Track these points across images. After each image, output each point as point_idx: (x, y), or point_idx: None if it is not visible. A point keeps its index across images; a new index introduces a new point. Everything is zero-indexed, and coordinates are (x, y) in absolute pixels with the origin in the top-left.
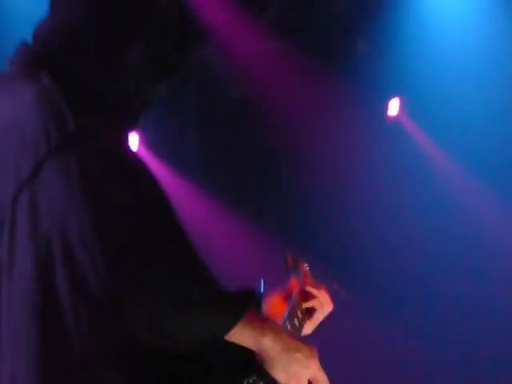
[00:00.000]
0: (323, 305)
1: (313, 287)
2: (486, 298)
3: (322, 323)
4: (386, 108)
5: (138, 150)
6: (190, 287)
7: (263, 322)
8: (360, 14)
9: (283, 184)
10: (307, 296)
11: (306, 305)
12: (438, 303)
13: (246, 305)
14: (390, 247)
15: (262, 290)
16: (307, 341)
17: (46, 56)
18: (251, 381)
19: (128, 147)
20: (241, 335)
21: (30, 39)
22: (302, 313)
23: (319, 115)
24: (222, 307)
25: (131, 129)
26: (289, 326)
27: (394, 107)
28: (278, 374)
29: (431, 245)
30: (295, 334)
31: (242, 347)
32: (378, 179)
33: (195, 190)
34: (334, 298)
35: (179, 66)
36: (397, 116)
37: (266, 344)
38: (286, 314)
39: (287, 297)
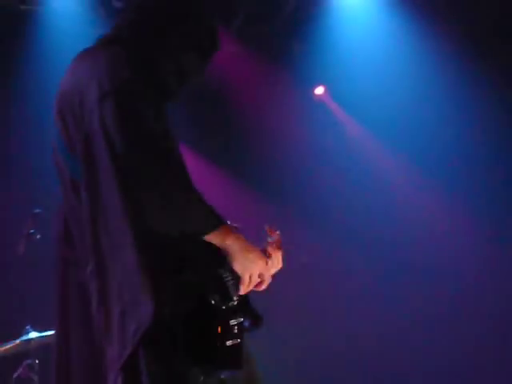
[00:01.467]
0: (274, 263)
1: (273, 249)
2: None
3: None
4: (313, 92)
5: None
6: (190, 191)
7: (232, 231)
8: (296, 25)
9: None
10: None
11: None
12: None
13: (223, 218)
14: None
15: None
16: None
17: (120, 37)
18: (222, 271)
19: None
20: (214, 235)
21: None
22: None
23: (266, 98)
24: (211, 212)
25: (166, 100)
26: None
27: (319, 91)
28: (236, 266)
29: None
30: None
31: (216, 250)
32: (309, 150)
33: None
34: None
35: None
36: (322, 98)
37: (228, 243)
38: None
39: None
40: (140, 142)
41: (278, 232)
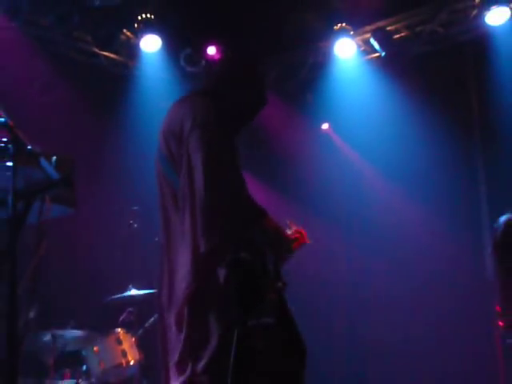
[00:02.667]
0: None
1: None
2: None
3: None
4: (321, 127)
5: None
6: (247, 202)
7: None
8: (309, 81)
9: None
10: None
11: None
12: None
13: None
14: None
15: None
16: None
17: (207, 91)
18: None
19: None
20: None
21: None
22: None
23: (288, 132)
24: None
25: (235, 134)
26: None
27: (325, 126)
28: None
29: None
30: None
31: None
32: (317, 170)
33: None
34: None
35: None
36: (327, 131)
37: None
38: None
39: None
40: (210, 164)
41: (295, 226)
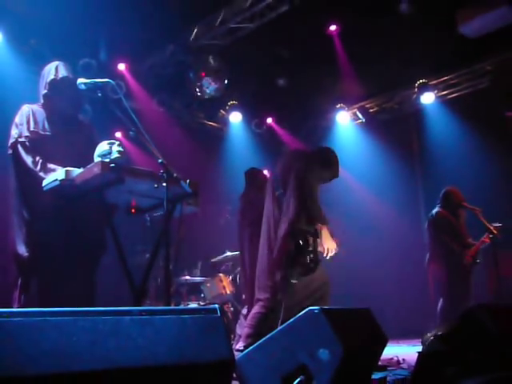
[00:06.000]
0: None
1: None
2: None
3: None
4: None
5: None
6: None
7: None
8: (322, 136)
9: None
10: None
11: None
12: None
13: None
14: None
15: None
16: None
17: (301, 155)
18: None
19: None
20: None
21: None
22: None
23: None
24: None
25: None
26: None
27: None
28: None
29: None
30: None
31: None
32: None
33: None
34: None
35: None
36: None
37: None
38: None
39: None
40: (300, 189)
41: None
